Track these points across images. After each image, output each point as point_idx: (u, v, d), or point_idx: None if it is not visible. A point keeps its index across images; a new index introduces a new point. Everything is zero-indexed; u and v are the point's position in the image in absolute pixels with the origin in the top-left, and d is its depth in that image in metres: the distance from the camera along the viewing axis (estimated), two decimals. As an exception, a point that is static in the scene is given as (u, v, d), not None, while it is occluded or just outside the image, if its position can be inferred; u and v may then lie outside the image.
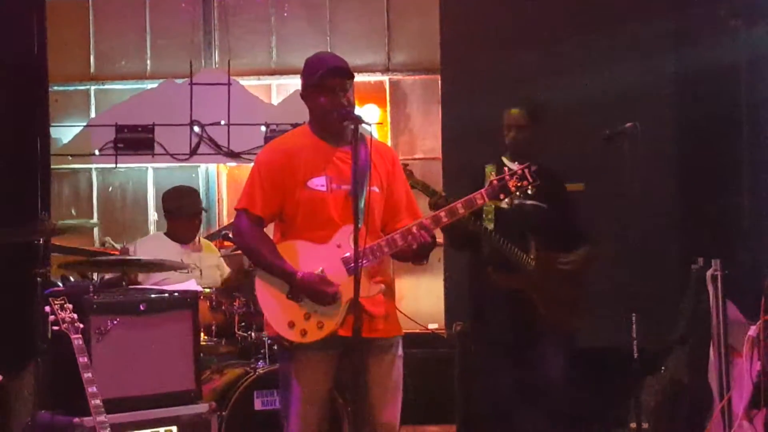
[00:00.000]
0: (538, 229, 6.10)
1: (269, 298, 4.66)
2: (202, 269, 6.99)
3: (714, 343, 6.14)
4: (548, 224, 6.13)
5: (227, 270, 7.14)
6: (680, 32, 7.40)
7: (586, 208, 6.52)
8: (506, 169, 4.70)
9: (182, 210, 7.16)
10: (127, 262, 6.43)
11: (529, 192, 4.76)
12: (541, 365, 6.06)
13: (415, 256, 4.70)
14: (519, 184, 4.64)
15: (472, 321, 6.75)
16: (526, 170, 4.66)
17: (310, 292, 4.56)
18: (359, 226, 4.39)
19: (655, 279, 6.87)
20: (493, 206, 5.99)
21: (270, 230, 4.88)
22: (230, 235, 6.84)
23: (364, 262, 4.44)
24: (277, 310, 4.63)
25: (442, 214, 4.63)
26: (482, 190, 4.65)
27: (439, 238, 5.91)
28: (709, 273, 6.19)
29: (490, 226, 6.00)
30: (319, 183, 4.68)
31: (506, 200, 5.99)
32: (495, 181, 4.66)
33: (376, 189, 4.67)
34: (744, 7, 7.07)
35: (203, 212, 7.42)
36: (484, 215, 6.01)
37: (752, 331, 5.81)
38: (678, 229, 7.35)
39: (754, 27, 7.02)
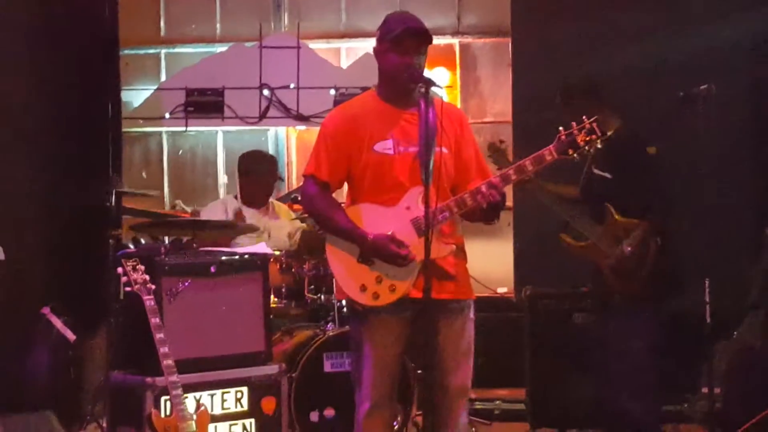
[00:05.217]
0: (606, 198, 5.95)
1: (340, 262, 4.65)
2: (271, 232, 7.00)
3: (787, 308, 6.08)
4: (614, 193, 5.96)
5: (297, 238, 7.12)
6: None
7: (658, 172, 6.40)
8: (573, 123, 4.56)
9: (260, 173, 7.16)
10: (197, 223, 6.46)
11: (599, 146, 4.63)
12: (613, 332, 5.98)
13: (485, 215, 4.62)
14: (588, 138, 4.51)
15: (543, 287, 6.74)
16: (594, 124, 4.56)
17: (382, 254, 4.52)
18: (428, 186, 4.36)
19: (728, 243, 6.80)
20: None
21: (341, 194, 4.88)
22: (299, 198, 6.84)
23: (434, 222, 4.41)
24: (348, 274, 4.62)
25: (511, 171, 4.55)
26: (551, 146, 4.54)
27: (509, 201, 5.87)
28: (781, 236, 6.12)
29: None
30: (385, 146, 4.64)
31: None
32: (563, 136, 4.53)
33: (444, 150, 4.62)
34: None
35: (280, 180, 7.40)
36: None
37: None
38: (751, 192, 7.25)
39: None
